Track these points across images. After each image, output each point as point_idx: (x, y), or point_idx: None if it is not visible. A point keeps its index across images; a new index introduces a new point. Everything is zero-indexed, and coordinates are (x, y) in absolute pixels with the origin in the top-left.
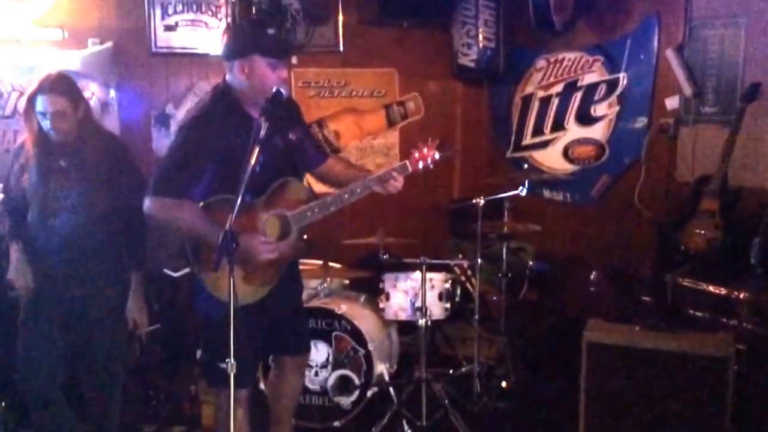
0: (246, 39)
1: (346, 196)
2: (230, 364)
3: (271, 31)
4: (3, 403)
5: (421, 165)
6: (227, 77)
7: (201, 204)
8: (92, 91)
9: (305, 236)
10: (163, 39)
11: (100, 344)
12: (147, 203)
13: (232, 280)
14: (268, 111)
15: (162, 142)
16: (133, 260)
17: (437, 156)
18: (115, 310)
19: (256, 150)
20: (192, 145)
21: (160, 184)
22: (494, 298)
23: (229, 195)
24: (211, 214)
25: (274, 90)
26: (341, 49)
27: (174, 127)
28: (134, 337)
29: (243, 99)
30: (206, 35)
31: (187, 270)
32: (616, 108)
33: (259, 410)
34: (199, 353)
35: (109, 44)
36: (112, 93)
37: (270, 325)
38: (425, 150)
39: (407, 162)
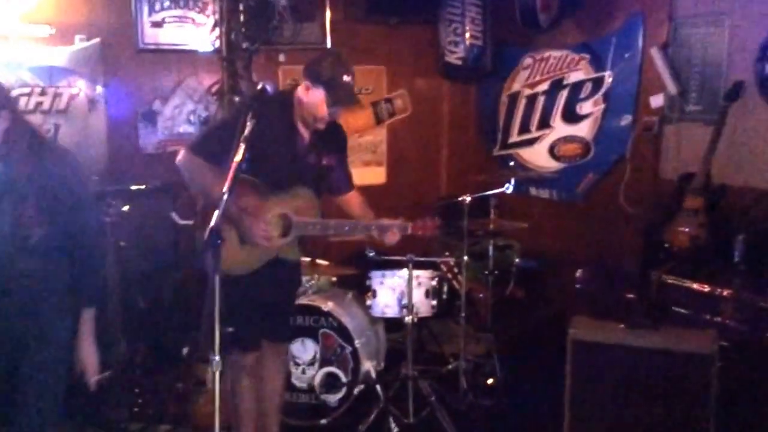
0: (323, 70)
1: (346, 228)
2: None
3: (347, 79)
4: None
5: (420, 233)
6: (298, 88)
7: None
8: (80, 88)
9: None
10: (151, 35)
11: (30, 379)
12: (181, 155)
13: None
14: (253, 108)
15: (149, 139)
16: (82, 295)
17: (435, 235)
18: (56, 347)
19: (242, 147)
20: (234, 122)
21: (198, 144)
22: (481, 295)
23: (253, 175)
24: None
25: (259, 86)
26: (329, 46)
27: (160, 124)
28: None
29: (296, 111)
30: (193, 32)
31: (190, 222)
32: (602, 106)
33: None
34: (185, 350)
35: (96, 40)
36: (99, 89)
37: (262, 307)
38: (429, 222)
39: (409, 225)
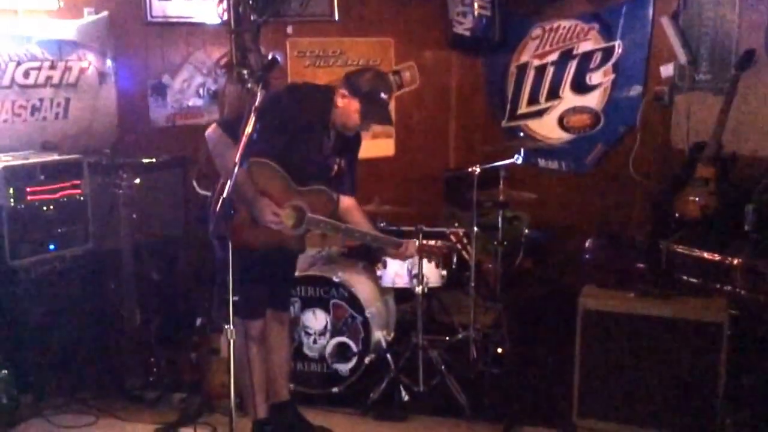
0: (363, 84)
1: (356, 234)
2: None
3: (385, 96)
4: (6, 371)
5: (435, 251)
6: (336, 98)
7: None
8: (89, 61)
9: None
10: (159, 8)
11: None
12: (211, 128)
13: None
14: (263, 78)
15: (159, 112)
16: None
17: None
18: None
19: (252, 118)
20: (273, 108)
21: (226, 122)
22: (490, 266)
23: (273, 163)
24: (255, 168)
25: (270, 57)
26: (336, 18)
27: (170, 97)
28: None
29: (331, 112)
30: (201, 4)
31: (208, 193)
32: (612, 76)
33: None
34: (199, 321)
35: (104, 13)
36: (109, 63)
37: (264, 279)
38: (445, 248)
39: (419, 243)
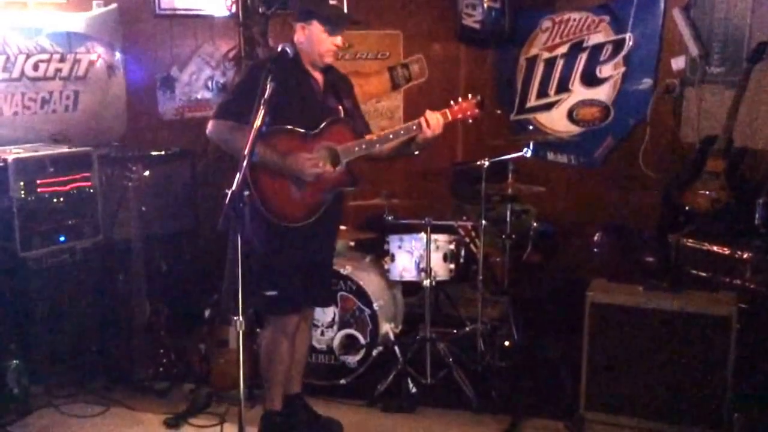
0: (309, 5)
1: (391, 135)
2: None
3: (333, 2)
4: (17, 361)
5: (460, 116)
6: (294, 35)
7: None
8: (98, 54)
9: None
10: (167, 1)
11: None
12: (210, 125)
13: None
14: (273, 71)
15: (168, 105)
16: None
17: (476, 114)
18: None
19: (262, 110)
20: (252, 82)
21: (221, 109)
22: (498, 259)
23: (283, 125)
24: (268, 139)
25: (279, 48)
26: (345, 10)
27: (178, 90)
28: (142, 298)
29: (303, 57)
30: None
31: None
32: (622, 69)
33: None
34: (207, 312)
35: (113, 6)
36: (118, 55)
37: (310, 270)
38: (466, 104)
39: (447, 111)
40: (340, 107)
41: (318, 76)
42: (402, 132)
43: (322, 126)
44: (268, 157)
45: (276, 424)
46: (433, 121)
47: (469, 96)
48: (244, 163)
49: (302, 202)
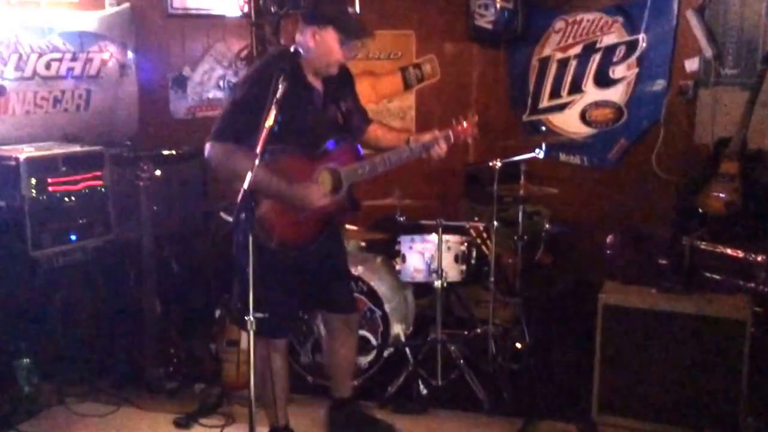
0: (326, 8)
1: (393, 159)
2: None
3: (353, 10)
4: (28, 360)
5: (462, 138)
6: (297, 38)
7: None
8: (111, 53)
9: (354, 197)
10: (180, 0)
11: None
12: (207, 148)
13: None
14: (285, 71)
15: (180, 104)
16: None
17: (476, 133)
18: None
19: (273, 110)
20: (249, 98)
21: (218, 131)
22: (510, 260)
23: (285, 145)
24: (271, 164)
25: (292, 49)
26: (357, 10)
27: (190, 89)
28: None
29: (306, 65)
30: None
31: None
32: (635, 70)
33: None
34: (218, 312)
35: (126, 5)
36: (130, 54)
37: (311, 283)
38: (466, 125)
39: (450, 132)
40: (339, 114)
41: (318, 84)
42: (406, 155)
43: (324, 147)
44: (273, 185)
45: None
46: (442, 152)
47: (469, 115)
48: (256, 162)
49: (303, 229)
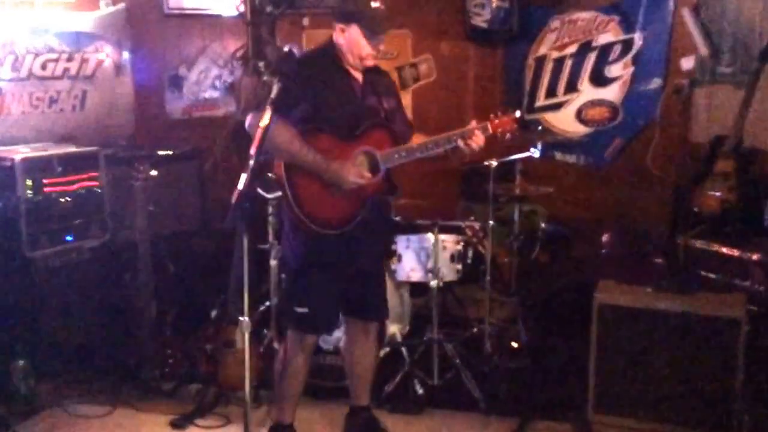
0: (350, 5)
1: (431, 145)
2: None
3: (375, 5)
4: (24, 361)
5: (500, 131)
6: (333, 35)
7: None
8: (106, 53)
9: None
10: (175, 0)
11: None
12: (248, 119)
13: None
14: (281, 72)
15: (176, 104)
16: None
17: (515, 130)
18: None
19: (268, 111)
20: (291, 79)
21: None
22: (506, 259)
23: (320, 126)
24: (308, 140)
25: (286, 49)
26: (380, 5)
27: (186, 89)
28: (149, 299)
29: (342, 57)
30: None
31: (278, 193)
32: (631, 69)
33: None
34: (214, 312)
35: (121, 5)
36: (126, 55)
37: (351, 282)
38: (506, 118)
39: (488, 124)
40: (381, 107)
41: (358, 75)
42: (443, 141)
43: (362, 128)
44: (310, 158)
45: None
46: (479, 142)
47: (509, 110)
48: (251, 162)
49: (339, 208)
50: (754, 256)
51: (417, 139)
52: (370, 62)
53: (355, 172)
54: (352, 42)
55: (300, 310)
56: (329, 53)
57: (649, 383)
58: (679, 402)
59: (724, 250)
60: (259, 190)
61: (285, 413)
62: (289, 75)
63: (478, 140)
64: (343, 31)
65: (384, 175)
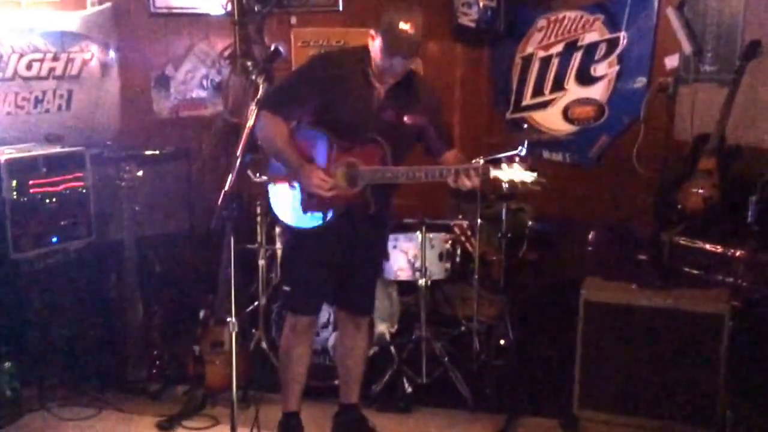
0: (384, 16)
1: (418, 174)
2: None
3: (404, 27)
4: (9, 363)
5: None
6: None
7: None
8: (92, 53)
9: (372, 198)
10: None
11: None
12: (256, 118)
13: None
14: (266, 70)
15: (163, 104)
16: None
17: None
18: None
19: (255, 110)
20: (309, 76)
21: (270, 99)
22: (494, 258)
23: (319, 128)
24: (298, 137)
25: (273, 48)
26: (340, 8)
27: (173, 88)
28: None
29: (370, 63)
30: None
31: (264, 178)
32: (616, 67)
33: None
34: (202, 313)
35: (108, 4)
36: (112, 54)
37: (340, 274)
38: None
39: (491, 166)
40: (398, 122)
41: (380, 86)
42: (434, 173)
43: (359, 140)
44: (287, 153)
45: (291, 426)
46: (472, 183)
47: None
48: (237, 162)
49: (309, 207)
50: (738, 253)
51: (452, 157)
52: (392, 80)
53: (319, 181)
54: (374, 51)
55: (286, 288)
56: (362, 56)
57: (634, 379)
58: (664, 397)
59: (708, 246)
60: (249, 172)
61: (289, 401)
62: (309, 69)
63: (466, 182)
64: (373, 38)
65: (364, 190)
